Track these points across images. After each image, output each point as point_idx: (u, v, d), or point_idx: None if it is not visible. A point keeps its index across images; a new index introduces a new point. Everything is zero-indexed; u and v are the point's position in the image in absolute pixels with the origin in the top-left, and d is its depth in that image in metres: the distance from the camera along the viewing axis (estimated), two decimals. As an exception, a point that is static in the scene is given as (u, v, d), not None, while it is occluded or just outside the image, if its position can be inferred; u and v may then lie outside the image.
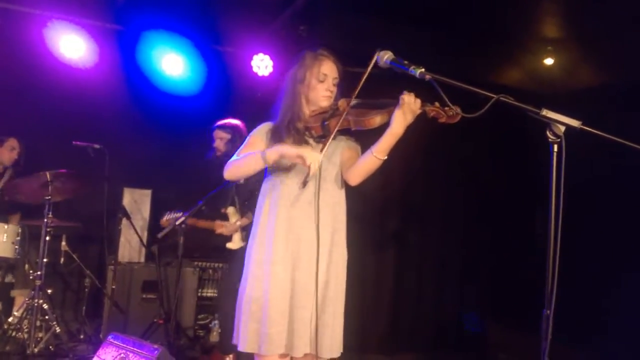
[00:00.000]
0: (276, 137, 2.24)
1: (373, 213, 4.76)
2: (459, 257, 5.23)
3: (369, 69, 1.99)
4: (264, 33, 4.95)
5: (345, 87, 2.31)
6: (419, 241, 5.08)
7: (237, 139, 3.71)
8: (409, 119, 1.99)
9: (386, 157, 2.12)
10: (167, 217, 3.89)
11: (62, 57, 4.72)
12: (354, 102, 2.10)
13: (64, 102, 4.66)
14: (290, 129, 2.22)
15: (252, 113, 4.92)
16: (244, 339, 2.15)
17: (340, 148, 2.30)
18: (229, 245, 3.71)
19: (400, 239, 5.00)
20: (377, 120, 2.06)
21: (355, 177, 2.23)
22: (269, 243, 2.17)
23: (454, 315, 5.19)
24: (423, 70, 1.80)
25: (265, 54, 5.23)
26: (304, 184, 2.01)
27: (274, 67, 5.23)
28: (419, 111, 1.97)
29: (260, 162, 2.12)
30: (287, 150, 2.08)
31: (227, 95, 5.27)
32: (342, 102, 2.15)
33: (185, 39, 5.03)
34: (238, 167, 2.20)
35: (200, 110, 5.11)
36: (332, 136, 2.09)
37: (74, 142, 4.05)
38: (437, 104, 1.94)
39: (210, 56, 5.20)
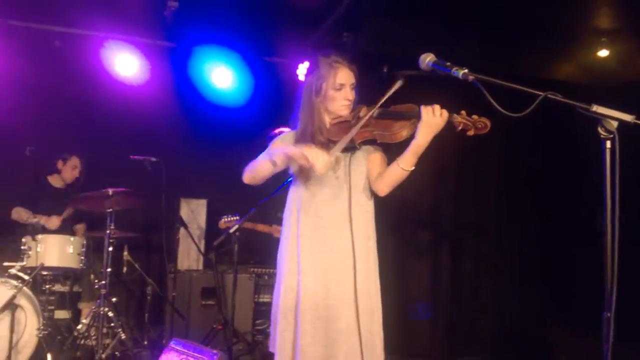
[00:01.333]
0: None
1: (426, 217, 4.73)
2: (516, 259, 5.10)
3: (392, 91, 2.00)
4: (309, 41, 5.02)
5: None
6: (474, 245, 5.00)
7: None
8: (435, 131, 1.98)
9: (414, 168, 2.09)
10: (225, 220, 3.99)
11: (117, 75, 4.97)
12: (376, 112, 2.08)
13: (121, 118, 4.89)
14: (313, 142, 2.18)
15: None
16: (280, 349, 2.16)
17: (365, 157, 2.28)
18: None
19: (454, 243, 4.94)
20: (403, 134, 2.04)
21: (384, 188, 2.21)
22: (298, 253, 2.18)
23: (514, 319, 5.06)
24: (466, 71, 1.79)
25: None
26: (306, 178, 2.02)
27: (305, 76, 5.28)
28: (444, 123, 1.95)
29: (270, 166, 2.12)
30: (292, 150, 2.06)
31: (274, 105, 5.35)
32: (364, 111, 2.12)
33: (233, 52, 5.18)
34: (252, 171, 2.21)
35: (249, 121, 5.23)
36: (344, 141, 2.06)
37: (131, 157, 4.23)
38: (464, 113, 1.92)
39: (258, 67, 5.33)
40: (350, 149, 2.18)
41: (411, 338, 4.58)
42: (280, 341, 2.17)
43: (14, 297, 3.39)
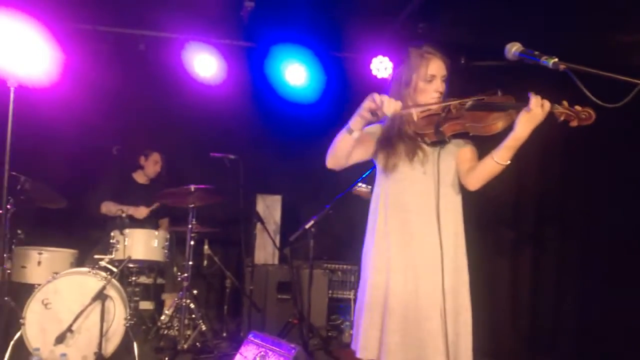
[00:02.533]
0: (385, 142, 2.19)
1: (508, 216, 4.54)
2: (603, 260, 4.78)
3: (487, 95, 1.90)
4: (382, 35, 4.96)
5: (465, 82, 2.21)
6: (558, 244, 4.73)
7: None
8: (535, 123, 1.88)
9: (509, 162, 2.01)
10: (359, 188, 3.95)
11: (197, 76, 5.15)
12: (469, 103, 1.99)
13: (201, 118, 5.09)
14: (401, 136, 2.14)
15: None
16: (364, 346, 2.13)
17: (454, 152, 2.21)
18: None
19: (537, 242, 4.70)
20: (498, 126, 1.94)
21: (475, 182, 2.14)
22: (388, 250, 2.14)
23: (599, 323, 4.75)
24: (556, 60, 1.68)
25: (384, 55, 5.24)
26: (378, 117, 1.93)
27: (393, 68, 5.22)
28: (545, 115, 1.85)
29: (346, 136, 2.03)
30: (363, 105, 1.97)
31: (347, 101, 5.35)
32: (455, 104, 2.03)
33: (307, 49, 5.22)
34: (331, 151, 2.12)
35: (321, 117, 5.26)
36: (430, 105, 2.01)
37: (211, 154, 4.36)
38: (565, 103, 1.80)
39: (330, 63, 5.34)
40: (440, 142, 2.12)
41: (495, 339, 4.42)
42: (364, 339, 2.14)
43: (104, 288, 3.59)
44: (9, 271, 3.86)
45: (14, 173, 3.55)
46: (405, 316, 2.07)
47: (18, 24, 2.79)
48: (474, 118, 1.99)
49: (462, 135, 2.12)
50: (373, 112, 1.96)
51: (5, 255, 3.64)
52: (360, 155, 2.20)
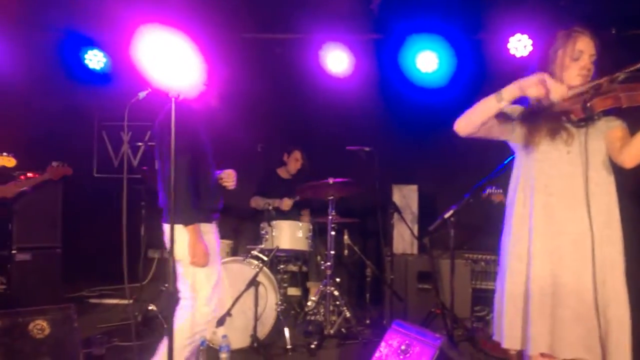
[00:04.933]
0: (529, 120, 2.10)
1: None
2: None
3: None
4: (520, 12, 4.70)
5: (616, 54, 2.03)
6: None
7: None
8: None
9: None
10: (489, 191, 3.95)
11: (330, 72, 5.32)
12: (621, 76, 1.85)
13: (336, 113, 5.25)
14: (546, 114, 2.04)
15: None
16: (507, 336, 2.08)
17: (603, 130, 2.06)
18: None
19: None
20: None
21: (631, 159, 1.99)
22: (529, 236, 2.06)
23: None
24: None
25: (522, 33, 4.98)
26: (537, 103, 1.87)
27: (533, 45, 4.94)
28: None
29: (493, 103, 1.95)
30: (526, 80, 1.90)
31: (482, 83, 5.18)
32: (604, 80, 1.89)
33: (438, 35, 5.13)
34: (467, 114, 2.05)
35: (455, 102, 5.12)
36: (588, 86, 1.89)
37: (347, 148, 4.49)
38: None
39: (464, 46, 5.19)
40: (588, 119, 1.99)
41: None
42: (507, 329, 2.10)
43: (257, 274, 3.88)
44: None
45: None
46: (547, 305, 2.00)
47: (171, 38, 3.10)
48: (630, 88, 1.85)
49: (612, 112, 1.98)
50: (537, 99, 1.92)
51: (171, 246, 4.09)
52: (494, 132, 2.14)
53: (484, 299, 4.83)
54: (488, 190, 3.86)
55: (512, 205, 2.16)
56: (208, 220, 2.88)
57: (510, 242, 2.14)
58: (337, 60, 5.28)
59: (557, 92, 1.87)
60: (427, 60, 5.23)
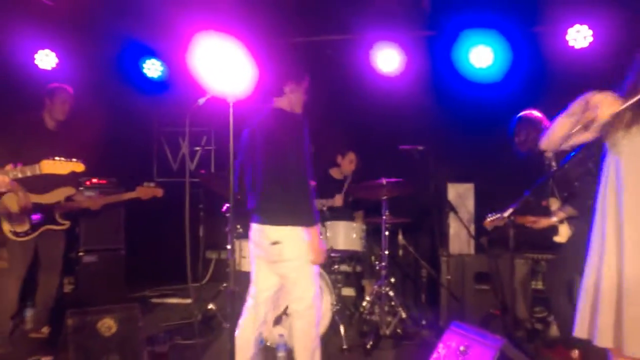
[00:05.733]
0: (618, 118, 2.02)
1: None
2: None
3: None
4: (578, 2, 4.53)
5: None
6: None
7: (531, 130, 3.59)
8: None
9: None
10: (490, 219, 3.89)
11: (381, 71, 5.30)
12: None
13: (387, 112, 5.22)
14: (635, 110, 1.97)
15: (566, 89, 4.60)
16: (589, 329, 2.08)
17: None
18: (556, 238, 3.55)
19: None
20: None
21: None
22: (603, 231, 2.06)
23: None
24: None
25: (582, 24, 4.79)
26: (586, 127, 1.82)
27: (593, 36, 4.74)
28: None
29: (565, 120, 1.99)
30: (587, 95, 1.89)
31: (539, 77, 5.04)
32: None
33: (492, 29, 5.02)
34: (548, 132, 2.11)
35: (510, 97, 5.02)
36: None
37: (400, 147, 4.45)
38: None
39: (519, 40, 5.06)
40: None
41: None
42: (590, 322, 2.08)
43: (312, 275, 3.91)
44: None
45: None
46: (613, 298, 2.00)
47: (226, 45, 3.17)
48: None
49: None
50: (587, 123, 1.93)
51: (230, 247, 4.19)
52: (582, 139, 2.15)
53: (544, 300, 4.67)
54: (488, 218, 3.76)
55: (603, 200, 2.13)
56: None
57: (593, 237, 2.14)
58: (388, 59, 5.25)
59: (606, 112, 1.87)
60: (482, 55, 5.13)
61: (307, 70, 3.01)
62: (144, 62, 6.08)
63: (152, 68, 6.12)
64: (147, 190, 4.36)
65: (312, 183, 2.94)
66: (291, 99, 2.99)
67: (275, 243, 2.84)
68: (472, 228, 4.64)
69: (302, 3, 4.85)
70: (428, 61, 5.34)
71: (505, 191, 4.61)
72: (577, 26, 4.85)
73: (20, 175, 2.62)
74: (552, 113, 4.94)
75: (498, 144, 5.13)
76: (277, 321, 3.92)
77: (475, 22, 4.97)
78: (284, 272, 2.90)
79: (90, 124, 5.26)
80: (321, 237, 4.30)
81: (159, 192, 4.41)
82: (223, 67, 3.12)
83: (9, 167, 2.60)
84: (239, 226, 4.50)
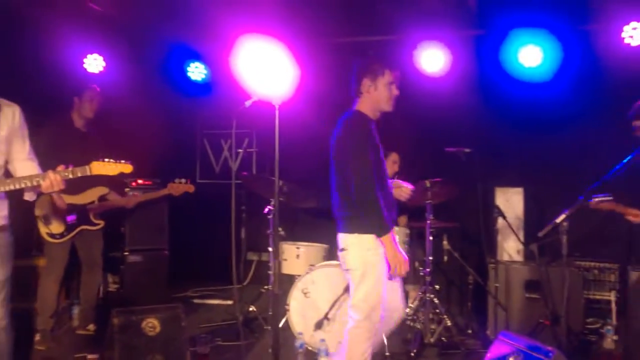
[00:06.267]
0: None
1: None
2: None
3: None
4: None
5: None
6: None
7: None
8: None
9: None
10: (597, 199, 3.66)
11: (425, 72, 5.19)
12: None
13: (432, 113, 5.10)
14: None
15: (621, 88, 4.41)
16: None
17: None
18: None
19: None
20: None
21: None
22: None
23: None
24: None
25: (638, 21, 4.57)
26: None
27: None
28: None
29: None
30: None
31: (592, 76, 4.84)
32: None
33: (541, 29, 4.86)
34: None
35: (561, 98, 4.85)
36: None
37: (445, 149, 4.34)
38: None
39: (570, 38, 4.88)
40: None
41: None
42: None
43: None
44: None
45: (272, 178, 4.06)
46: None
47: (269, 47, 3.15)
48: None
49: None
50: None
51: (272, 249, 4.19)
52: None
53: (597, 310, 4.46)
54: (595, 199, 3.53)
55: None
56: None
57: None
58: (433, 59, 5.14)
59: None
60: (531, 55, 4.95)
61: (386, 64, 2.87)
62: (188, 66, 6.17)
63: (196, 71, 6.20)
64: (179, 187, 4.48)
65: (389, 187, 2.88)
66: (371, 98, 2.89)
67: (342, 250, 2.84)
68: (521, 234, 4.48)
69: (345, 4, 4.80)
70: (474, 61, 5.20)
71: (556, 196, 4.45)
72: (633, 23, 4.64)
73: (71, 176, 2.65)
74: (605, 112, 4.76)
75: (549, 146, 4.96)
76: (318, 326, 3.88)
77: (524, 21, 4.81)
78: (349, 280, 2.85)
79: (130, 125, 5.38)
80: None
81: (190, 188, 4.52)
82: (267, 69, 3.12)
83: (60, 167, 2.64)
84: (280, 228, 4.49)
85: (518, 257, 4.46)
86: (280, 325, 3.89)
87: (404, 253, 2.77)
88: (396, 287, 2.99)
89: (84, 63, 5.51)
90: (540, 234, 3.51)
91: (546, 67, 4.97)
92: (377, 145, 2.87)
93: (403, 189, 3.17)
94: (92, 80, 5.11)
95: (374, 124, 2.93)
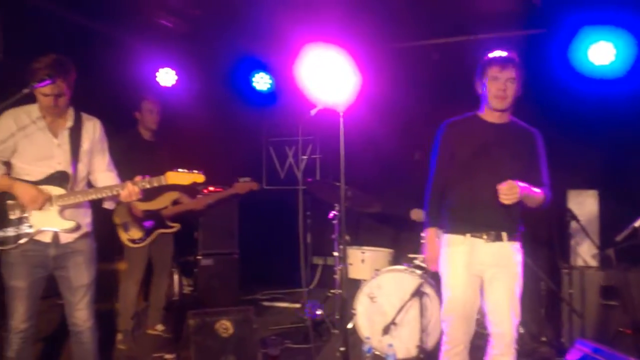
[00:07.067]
0: None
1: None
2: None
3: None
4: None
5: None
6: None
7: None
8: None
9: None
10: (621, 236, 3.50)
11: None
12: None
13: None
14: None
15: None
16: None
17: None
18: None
19: None
20: None
21: None
22: None
23: None
24: None
25: None
26: None
27: None
28: None
29: None
30: None
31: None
32: None
33: (611, 26, 4.64)
34: None
35: (636, 94, 4.59)
36: None
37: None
38: None
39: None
40: None
41: None
42: None
43: (421, 285, 3.82)
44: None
45: (337, 183, 4.10)
46: None
47: (332, 56, 3.21)
48: None
49: None
50: None
51: (339, 254, 4.23)
52: None
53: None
54: None
55: None
56: None
57: None
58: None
59: None
60: (602, 52, 4.72)
61: (487, 62, 2.83)
62: (254, 76, 6.37)
63: (261, 81, 6.39)
64: (244, 185, 4.63)
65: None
66: (485, 98, 2.90)
67: None
68: (596, 239, 4.28)
69: (407, 8, 4.79)
70: (541, 59, 5.03)
71: (633, 198, 4.23)
72: None
73: (148, 186, 2.81)
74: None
75: (625, 145, 4.69)
76: (386, 331, 3.88)
77: (594, 18, 4.61)
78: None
79: (199, 134, 5.60)
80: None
81: (255, 186, 4.67)
82: (331, 78, 3.18)
83: (137, 178, 2.81)
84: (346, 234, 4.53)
85: (593, 262, 4.26)
86: (348, 328, 3.90)
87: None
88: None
89: (156, 77, 5.80)
90: (618, 239, 3.35)
91: (619, 63, 4.73)
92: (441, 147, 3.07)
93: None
94: (165, 94, 5.38)
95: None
